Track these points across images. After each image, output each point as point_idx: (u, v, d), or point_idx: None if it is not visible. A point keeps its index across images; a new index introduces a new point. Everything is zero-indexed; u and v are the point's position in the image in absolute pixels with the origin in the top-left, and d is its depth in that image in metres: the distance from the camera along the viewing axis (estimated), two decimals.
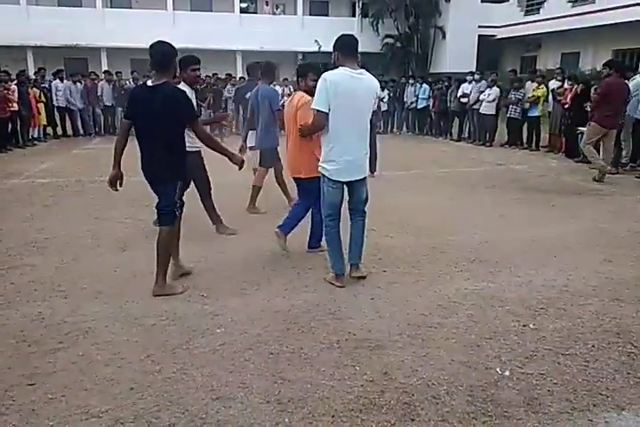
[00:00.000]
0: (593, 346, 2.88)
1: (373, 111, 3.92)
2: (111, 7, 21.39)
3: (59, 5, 20.76)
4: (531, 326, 3.13)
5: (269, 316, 3.28)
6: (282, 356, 2.80)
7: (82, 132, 13.65)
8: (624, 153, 8.59)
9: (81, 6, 21.00)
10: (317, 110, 3.49)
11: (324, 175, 3.68)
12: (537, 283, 3.80)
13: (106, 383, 2.55)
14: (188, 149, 3.78)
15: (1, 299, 3.55)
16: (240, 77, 14.95)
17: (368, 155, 3.81)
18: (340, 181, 3.64)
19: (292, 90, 14.01)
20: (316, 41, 19.85)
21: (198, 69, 4.52)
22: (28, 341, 2.99)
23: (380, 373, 2.62)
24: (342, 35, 3.69)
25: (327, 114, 3.47)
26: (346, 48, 3.56)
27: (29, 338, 3.02)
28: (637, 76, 8.71)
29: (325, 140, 3.62)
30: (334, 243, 3.79)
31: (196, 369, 2.67)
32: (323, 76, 3.49)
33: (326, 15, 23.81)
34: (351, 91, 3.46)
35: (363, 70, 3.59)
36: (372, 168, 7.57)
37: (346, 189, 3.77)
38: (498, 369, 2.64)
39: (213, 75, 14.82)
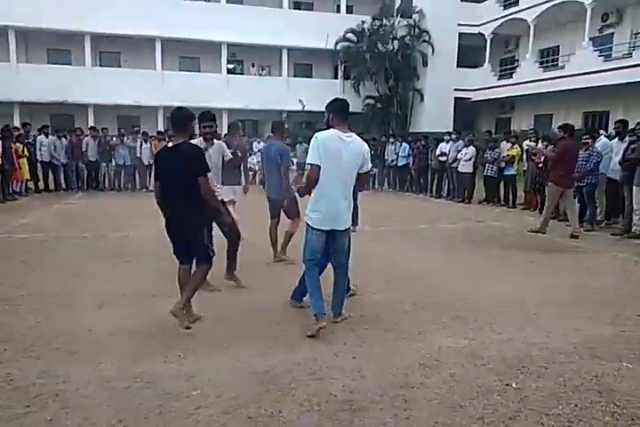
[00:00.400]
0: (576, 405, 2.84)
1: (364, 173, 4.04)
2: (100, 66, 22.05)
3: (48, 63, 21.35)
4: (513, 385, 3.09)
5: (248, 376, 3.19)
6: (260, 420, 2.71)
7: (64, 186, 13.66)
8: (598, 211, 8.84)
9: (71, 64, 21.60)
10: (311, 164, 3.79)
11: (307, 224, 3.96)
12: (518, 340, 3.79)
13: None
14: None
15: None
16: (225, 134, 15.24)
17: (351, 208, 4.04)
18: (322, 229, 3.89)
19: None
20: (300, 100, 20.59)
21: (210, 126, 4.77)
22: None
23: None
24: (336, 99, 4.06)
25: (319, 167, 3.77)
26: (339, 111, 3.93)
27: None
28: (602, 136, 9.16)
29: (314, 193, 3.90)
30: (313, 285, 3.97)
31: None
32: (315, 135, 3.85)
33: (310, 77, 24.82)
34: (338, 150, 3.78)
35: (352, 134, 3.91)
36: (354, 222, 7.66)
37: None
38: None
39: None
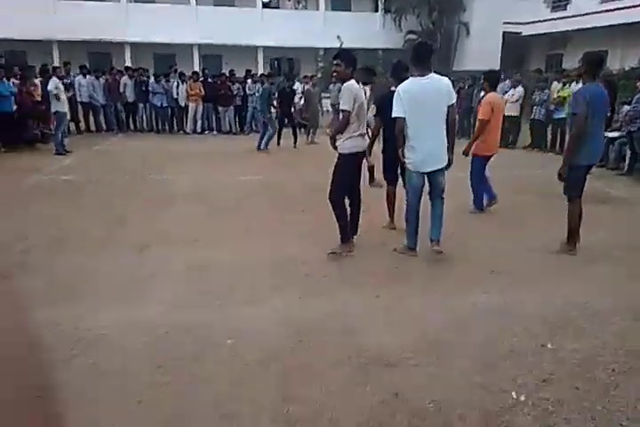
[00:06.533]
0: (613, 370, 2.77)
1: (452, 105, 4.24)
2: (135, 1, 21.47)
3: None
4: (549, 345, 3.03)
5: (281, 328, 3.24)
6: (291, 371, 2.76)
7: (104, 127, 13.75)
8: None
9: (105, 0, 21.11)
10: (397, 117, 4.18)
11: (408, 168, 4.36)
12: (557, 299, 3.69)
13: (114, 396, 2.55)
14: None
15: (17, 303, 3.57)
16: (261, 75, 14.79)
17: (446, 145, 4.28)
18: (420, 171, 4.28)
19: (313, 86, 13.76)
20: (338, 37, 19.68)
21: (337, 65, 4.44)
22: (39, 348, 3.00)
23: (391, 393, 2.56)
24: (415, 44, 4.37)
25: (404, 119, 4.14)
26: (414, 58, 4.22)
27: (40, 345, 3.02)
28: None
29: (408, 138, 4.23)
30: (412, 220, 4.48)
31: (204, 383, 2.65)
32: (397, 89, 4.25)
33: (349, 10, 23.58)
34: (419, 95, 4.11)
35: (431, 75, 4.16)
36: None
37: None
38: (513, 393, 2.56)
39: (230, 72, 14.74)
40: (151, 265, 4.28)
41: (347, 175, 4.41)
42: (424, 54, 4.23)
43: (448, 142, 4.31)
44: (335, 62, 4.39)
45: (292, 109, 12.17)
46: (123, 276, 4.05)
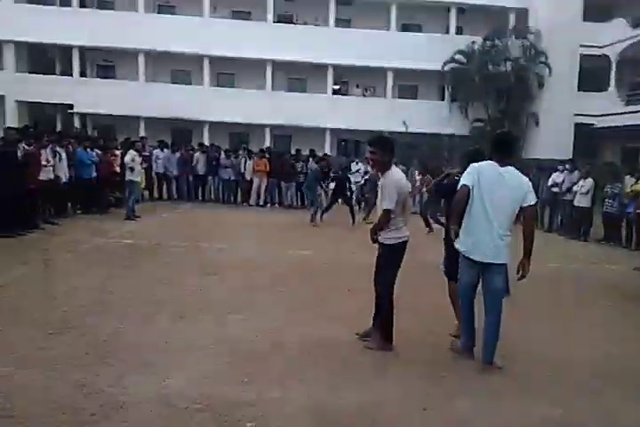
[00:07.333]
0: None
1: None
2: (217, 86, 23.43)
3: (172, 82, 23.16)
4: None
5: (306, 416, 3.01)
6: None
7: (175, 196, 14.55)
8: None
9: (190, 84, 23.23)
10: (462, 185, 3.77)
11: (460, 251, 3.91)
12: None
13: None
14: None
15: (53, 361, 3.57)
16: (310, 155, 15.37)
17: (506, 243, 3.78)
18: (471, 259, 3.79)
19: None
20: (403, 122, 20.23)
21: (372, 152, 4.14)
22: (64, 408, 2.96)
23: None
24: (497, 133, 4.04)
25: (469, 189, 3.73)
26: (495, 147, 3.92)
27: (66, 406, 2.99)
28: None
29: (464, 221, 3.83)
30: (465, 318, 4.01)
31: None
32: (473, 164, 3.88)
33: (415, 98, 24.20)
34: (492, 183, 3.73)
35: (510, 168, 3.79)
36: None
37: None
38: None
39: (296, 150, 15.76)
40: (186, 335, 4.22)
41: (394, 266, 4.04)
42: (506, 145, 3.94)
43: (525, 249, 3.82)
44: (370, 150, 4.03)
45: (349, 190, 12.57)
46: (158, 344, 4.00)
